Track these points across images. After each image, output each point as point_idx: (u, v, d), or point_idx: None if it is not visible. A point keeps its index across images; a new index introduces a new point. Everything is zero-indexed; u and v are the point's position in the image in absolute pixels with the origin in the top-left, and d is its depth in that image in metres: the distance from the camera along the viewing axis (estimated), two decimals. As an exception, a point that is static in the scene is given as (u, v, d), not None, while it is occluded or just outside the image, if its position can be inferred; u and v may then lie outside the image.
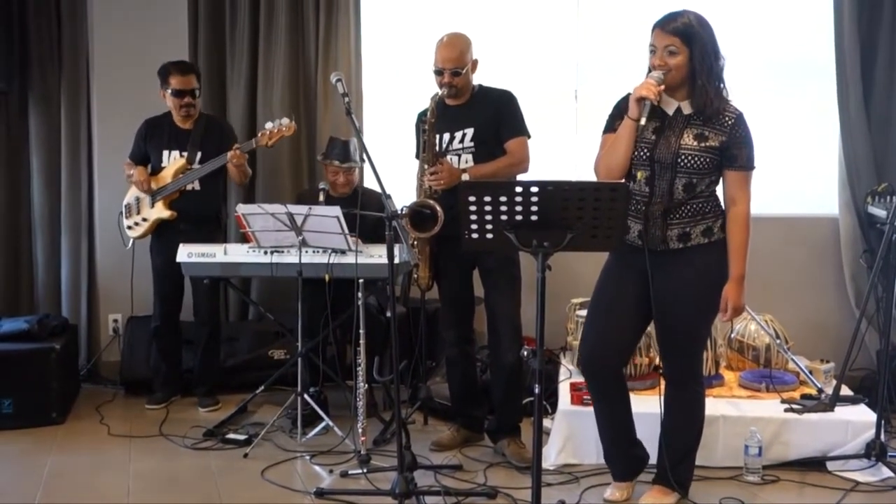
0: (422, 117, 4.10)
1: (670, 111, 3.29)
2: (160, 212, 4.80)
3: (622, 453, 3.54)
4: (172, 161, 4.83)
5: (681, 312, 3.30)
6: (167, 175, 4.81)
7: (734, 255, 3.30)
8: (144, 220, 4.85)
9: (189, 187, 4.80)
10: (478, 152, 4.01)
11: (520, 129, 4.05)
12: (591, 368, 3.46)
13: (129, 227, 4.91)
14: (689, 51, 3.17)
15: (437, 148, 4.03)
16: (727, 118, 3.23)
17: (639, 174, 3.28)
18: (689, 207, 3.26)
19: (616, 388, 3.48)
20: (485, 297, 4.11)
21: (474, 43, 4.05)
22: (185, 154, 4.80)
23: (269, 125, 4.64)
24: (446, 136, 4.04)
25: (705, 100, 3.20)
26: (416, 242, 4.03)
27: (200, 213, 4.84)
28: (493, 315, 4.06)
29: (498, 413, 4.17)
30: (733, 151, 3.23)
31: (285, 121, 4.63)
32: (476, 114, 4.03)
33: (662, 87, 3.19)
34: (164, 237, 4.84)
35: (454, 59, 3.96)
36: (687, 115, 3.26)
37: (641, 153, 3.27)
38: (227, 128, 5.00)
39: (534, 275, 2.82)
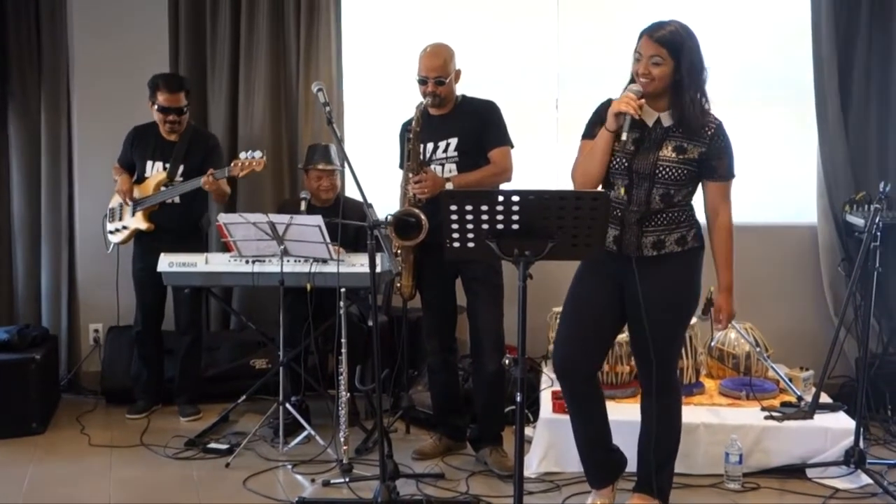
0: (406, 127, 4.11)
1: (650, 122, 3.29)
2: (139, 222, 4.80)
3: (598, 459, 3.53)
4: (155, 173, 4.83)
5: (654, 320, 3.30)
6: (149, 186, 4.81)
7: (721, 264, 3.35)
8: (125, 227, 4.86)
9: (169, 200, 4.80)
10: (461, 162, 4.02)
11: (503, 139, 4.07)
12: (563, 372, 3.47)
13: (111, 232, 4.91)
14: (675, 62, 3.18)
15: (421, 157, 4.04)
16: (707, 129, 3.24)
17: (617, 183, 3.29)
18: (664, 216, 3.28)
19: (589, 392, 3.48)
20: (467, 306, 4.12)
21: (455, 52, 4.08)
22: (168, 167, 4.80)
23: (243, 155, 4.63)
24: (430, 146, 4.06)
25: (690, 113, 3.20)
26: (399, 251, 4.04)
27: (180, 226, 4.84)
28: (476, 324, 4.07)
29: (480, 422, 4.18)
30: (712, 163, 3.25)
31: (258, 154, 4.61)
32: (459, 124, 4.04)
33: (642, 100, 3.21)
34: (144, 245, 4.84)
35: (438, 68, 3.98)
36: (667, 127, 3.27)
37: (620, 163, 3.28)
38: (212, 142, 4.99)
39: (515, 283, 2.83)
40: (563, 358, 3.46)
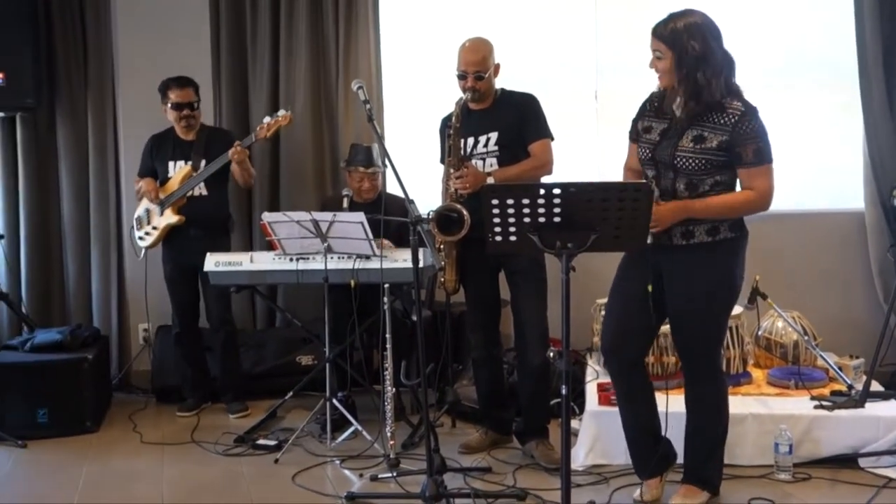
0: (446, 122, 4.12)
1: (678, 112, 3.29)
2: (169, 218, 4.85)
3: (645, 449, 3.53)
4: (178, 169, 4.90)
5: (689, 310, 3.30)
6: (174, 183, 4.88)
7: (707, 201, 3.23)
8: (155, 228, 4.91)
9: (196, 192, 4.86)
10: (502, 156, 4.02)
11: (543, 132, 4.06)
12: (609, 358, 3.50)
13: (141, 238, 4.98)
14: (676, 55, 3.16)
15: (462, 152, 4.05)
16: (729, 116, 3.19)
17: (647, 173, 3.34)
18: None
19: (636, 380, 3.49)
20: (511, 300, 4.13)
21: (494, 46, 4.07)
22: (190, 162, 4.88)
23: (266, 119, 4.72)
24: (470, 141, 4.06)
25: (710, 100, 3.17)
26: (442, 246, 4.05)
27: (209, 218, 4.90)
28: (520, 317, 4.07)
29: (525, 415, 4.18)
30: (737, 150, 3.19)
31: (282, 112, 4.71)
32: (499, 118, 4.04)
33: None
34: (173, 244, 4.92)
35: (477, 63, 3.99)
36: (688, 118, 3.25)
37: (645, 154, 3.31)
38: (230, 137, 5.04)
39: (558, 276, 2.83)
40: (607, 345, 3.50)
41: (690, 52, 3.14)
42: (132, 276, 5.45)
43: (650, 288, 3.29)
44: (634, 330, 3.41)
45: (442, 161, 4.22)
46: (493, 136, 4.02)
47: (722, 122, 3.19)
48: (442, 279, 4.15)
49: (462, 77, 4.02)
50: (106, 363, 5.24)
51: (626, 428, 3.55)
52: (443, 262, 4.06)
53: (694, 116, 3.22)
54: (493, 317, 4.25)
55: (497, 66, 4.07)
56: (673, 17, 3.20)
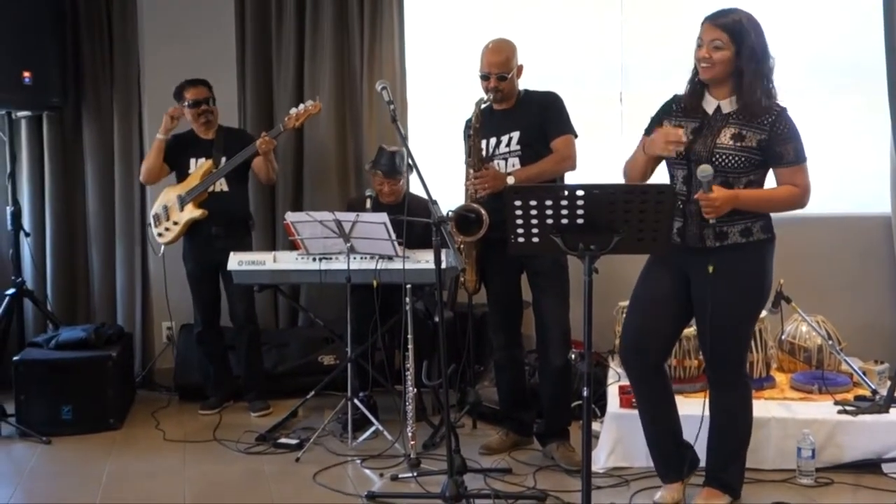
0: (469, 123, 4.13)
1: (710, 109, 3.28)
2: (191, 212, 4.87)
3: (666, 452, 3.52)
4: (199, 166, 4.93)
5: (719, 313, 3.28)
6: (195, 178, 4.90)
7: (758, 191, 3.25)
8: (175, 223, 4.91)
9: (217, 188, 4.88)
10: (524, 155, 4.02)
11: (565, 128, 4.05)
12: (629, 361, 3.48)
13: (160, 235, 4.99)
14: (736, 47, 3.16)
15: (484, 153, 4.06)
16: (767, 116, 3.19)
17: (677, 174, 3.31)
18: None
19: (657, 382, 3.48)
20: (533, 301, 4.12)
21: (519, 47, 4.07)
22: (211, 159, 4.91)
23: (293, 110, 4.73)
24: (493, 141, 4.06)
25: (752, 99, 3.18)
26: (462, 246, 4.06)
27: (230, 214, 4.92)
28: (542, 319, 4.07)
29: (546, 417, 4.18)
30: (776, 149, 3.20)
31: (310, 102, 4.73)
32: (521, 117, 4.04)
33: (684, 140, 3.19)
34: (195, 242, 4.94)
35: (500, 64, 3.99)
36: (727, 114, 3.25)
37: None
38: (246, 134, 5.08)
39: (580, 278, 2.83)
40: (627, 346, 3.48)
41: (752, 45, 3.14)
42: (156, 275, 5.49)
43: (711, 269, 3.22)
44: (657, 331, 3.40)
45: (467, 162, 4.23)
46: (515, 135, 4.02)
47: (759, 121, 3.19)
48: (463, 279, 4.15)
49: (485, 78, 4.02)
50: (129, 361, 5.28)
51: (645, 429, 3.54)
52: (464, 263, 4.07)
53: (736, 114, 3.21)
54: (515, 318, 4.25)
55: (520, 68, 4.07)
56: (733, 10, 3.20)
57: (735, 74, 3.20)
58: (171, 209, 4.94)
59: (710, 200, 3.10)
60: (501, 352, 4.24)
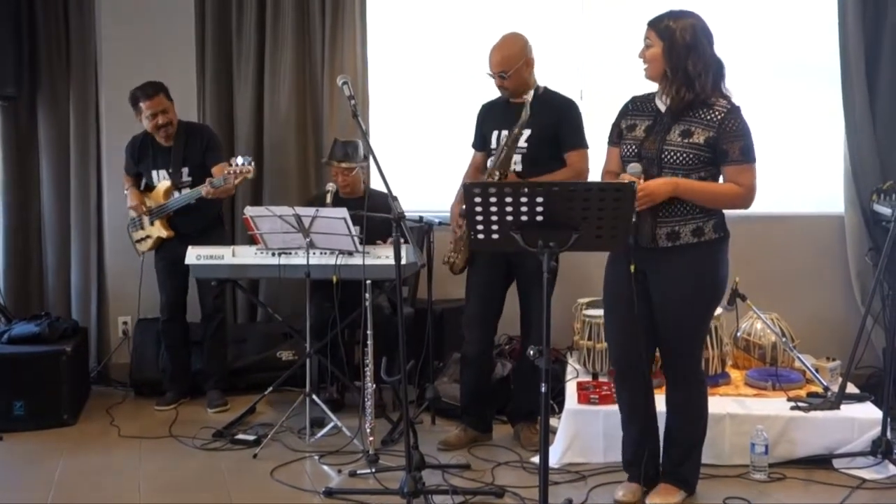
0: (486, 108, 4.20)
1: (662, 108, 3.32)
2: (160, 231, 4.88)
3: (642, 453, 3.51)
4: (161, 181, 4.90)
5: (674, 311, 3.32)
6: (159, 194, 4.89)
7: (698, 182, 3.25)
8: (148, 236, 4.95)
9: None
10: (528, 154, 4.04)
11: (580, 142, 4.10)
12: (623, 374, 3.51)
13: (139, 241, 4.99)
14: (665, 44, 3.20)
15: (493, 144, 4.09)
16: (716, 113, 3.23)
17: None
18: (679, 206, 3.27)
19: (645, 388, 3.52)
20: (520, 297, 4.18)
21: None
22: (171, 172, 4.86)
23: (240, 160, 4.63)
24: (504, 133, 4.06)
25: (678, 95, 3.22)
26: (462, 225, 4.03)
27: (199, 225, 4.90)
28: (527, 308, 4.15)
29: (517, 398, 4.30)
30: (723, 147, 3.22)
31: (244, 161, 4.62)
32: (535, 116, 3.98)
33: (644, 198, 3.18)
34: (168, 245, 4.92)
35: (499, 63, 4.03)
36: (675, 112, 3.27)
37: (630, 150, 3.32)
38: (206, 134, 5.00)
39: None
40: (618, 360, 3.52)
41: (680, 41, 3.18)
42: (112, 269, 5.43)
43: (633, 268, 3.26)
44: (640, 346, 3.40)
45: (474, 145, 4.31)
46: (526, 133, 4.03)
47: (708, 118, 3.22)
48: (449, 257, 4.16)
49: (493, 77, 4.07)
50: (84, 356, 5.21)
51: (626, 429, 3.57)
52: (458, 250, 4.10)
53: (681, 111, 3.24)
54: (494, 313, 4.26)
55: (528, 61, 4.08)
56: (669, 11, 3.25)
57: (673, 69, 3.22)
58: (143, 219, 4.93)
59: (642, 188, 3.14)
60: (474, 346, 4.25)
